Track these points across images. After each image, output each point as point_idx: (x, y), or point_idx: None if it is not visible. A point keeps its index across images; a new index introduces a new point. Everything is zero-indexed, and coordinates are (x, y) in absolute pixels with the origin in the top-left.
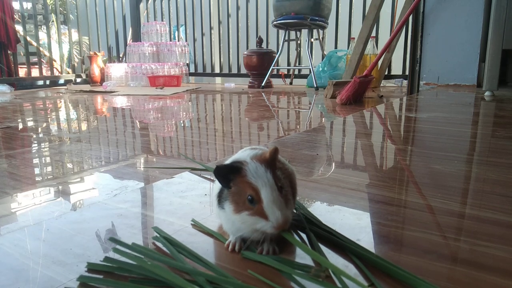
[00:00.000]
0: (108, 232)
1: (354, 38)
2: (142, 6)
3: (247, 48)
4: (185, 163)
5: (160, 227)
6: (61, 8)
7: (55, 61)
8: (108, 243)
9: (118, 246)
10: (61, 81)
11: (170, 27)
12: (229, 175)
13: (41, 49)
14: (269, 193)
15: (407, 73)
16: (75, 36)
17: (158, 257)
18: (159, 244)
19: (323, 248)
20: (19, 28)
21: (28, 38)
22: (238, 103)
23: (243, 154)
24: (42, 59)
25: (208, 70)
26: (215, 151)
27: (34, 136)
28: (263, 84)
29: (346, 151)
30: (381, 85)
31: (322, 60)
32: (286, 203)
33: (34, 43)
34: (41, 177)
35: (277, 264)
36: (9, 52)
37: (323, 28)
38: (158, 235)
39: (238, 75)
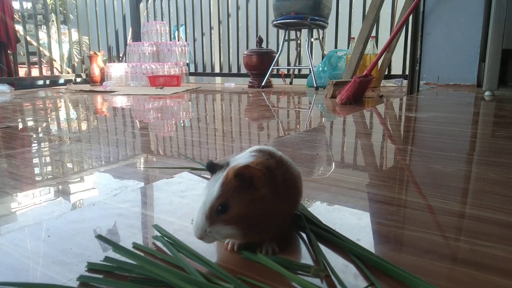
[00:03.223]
0: (108, 232)
1: (354, 38)
2: (142, 5)
3: (247, 48)
4: (185, 163)
5: (160, 226)
6: (61, 8)
7: (55, 60)
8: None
9: (109, 245)
10: (61, 80)
11: (170, 27)
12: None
13: (41, 48)
14: (200, 203)
15: (407, 73)
16: (75, 35)
17: (158, 257)
18: (159, 244)
19: (323, 248)
20: (19, 27)
21: (28, 38)
22: (238, 103)
23: (242, 155)
24: (42, 59)
25: (208, 70)
26: (215, 150)
27: (34, 135)
28: (263, 84)
29: (346, 151)
30: (381, 84)
31: (322, 60)
32: (211, 221)
33: (34, 43)
34: (41, 177)
35: (274, 265)
36: (9, 51)
37: (323, 28)
38: (158, 234)
39: (238, 75)
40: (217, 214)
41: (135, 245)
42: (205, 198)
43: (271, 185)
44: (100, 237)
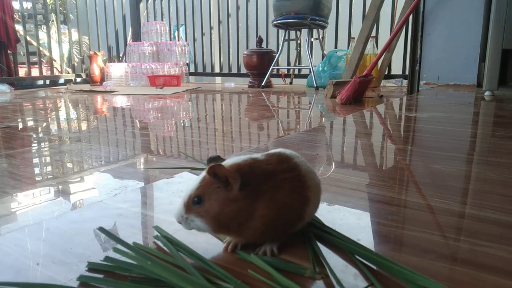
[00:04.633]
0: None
1: (354, 38)
2: (142, 5)
3: (247, 47)
4: (185, 163)
5: (160, 226)
6: (61, 8)
7: (55, 60)
8: (108, 242)
9: (119, 246)
10: (61, 80)
11: (170, 27)
12: None
13: (41, 48)
14: (182, 195)
15: (407, 73)
16: (75, 35)
17: (158, 257)
18: (160, 244)
19: (323, 248)
20: (19, 27)
21: (28, 38)
22: (238, 103)
23: (242, 156)
24: (42, 59)
25: (208, 70)
26: (215, 151)
27: (34, 135)
28: (263, 84)
29: (346, 151)
30: (381, 84)
31: (322, 60)
32: (187, 209)
33: (34, 43)
34: (41, 177)
35: (265, 266)
36: (9, 51)
37: (323, 27)
38: (158, 234)
39: (238, 74)
40: (193, 204)
41: (136, 245)
42: (185, 192)
43: (253, 189)
44: (101, 229)
